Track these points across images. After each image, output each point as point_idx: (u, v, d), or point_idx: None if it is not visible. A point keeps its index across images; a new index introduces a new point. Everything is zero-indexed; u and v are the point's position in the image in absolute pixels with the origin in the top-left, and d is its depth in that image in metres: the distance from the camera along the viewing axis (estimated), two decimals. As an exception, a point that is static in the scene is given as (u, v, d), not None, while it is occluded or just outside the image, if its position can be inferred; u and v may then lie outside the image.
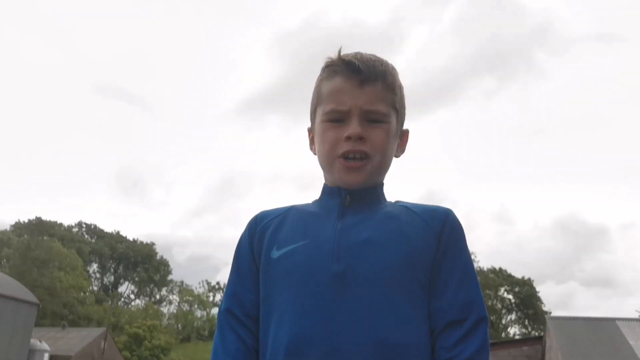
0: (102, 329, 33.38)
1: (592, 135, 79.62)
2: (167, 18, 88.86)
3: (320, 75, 1.34)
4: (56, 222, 55.88)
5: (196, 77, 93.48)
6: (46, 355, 21.57)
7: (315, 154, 1.35)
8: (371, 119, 1.25)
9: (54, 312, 41.91)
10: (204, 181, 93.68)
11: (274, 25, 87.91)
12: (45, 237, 47.55)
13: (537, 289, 53.38)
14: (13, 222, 54.19)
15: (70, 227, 58.75)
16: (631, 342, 18.38)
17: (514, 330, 53.40)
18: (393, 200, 1.34)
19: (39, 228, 52.12)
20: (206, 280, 65.19)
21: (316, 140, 1.33)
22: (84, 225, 60.91)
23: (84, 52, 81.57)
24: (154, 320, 46.65)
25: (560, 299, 68.70)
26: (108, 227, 64.37)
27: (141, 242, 61.85)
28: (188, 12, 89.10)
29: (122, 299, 61.18)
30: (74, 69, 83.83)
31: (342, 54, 1.29)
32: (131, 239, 61.69)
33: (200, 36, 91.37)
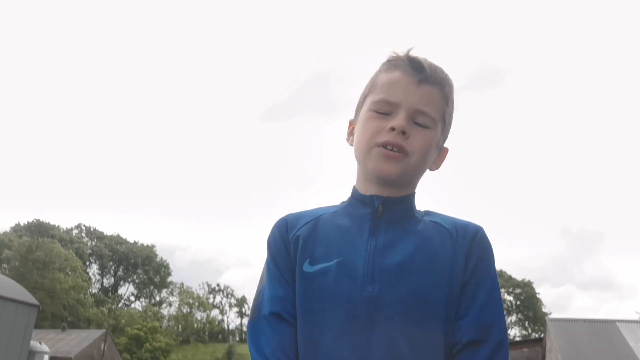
0: (102, 331, 33.35)
1: (591, 135, 79.61)
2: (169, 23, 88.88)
3: (379, 68, 1.31)
4: (55, 224, 55.88)
5: (198, 80, 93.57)
6: (46, 357, 21.55)
7: (351, 145, 1.32)
8: (418, 121, 1.23)
9: (54, 314, 41.89)
10: (204, 184, 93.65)
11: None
12: (45, 239, 47.49)
13: (537, 291, 53.38)
14: (13, 224, 54.24)
15: (69, 229, 58.73)
16: (631, 344, 18.37)
17: (514, 332, 53.37)
18: (423, 210, 1.31)
19: (38, 230, 52.12)
20: (206, 282, 65.18)
21: (357, 129, 1.29)
22: (83, 227, 60.91)
23: (88, 52, 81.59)
24: (153, 322, 46.63)
25: (559, 301, 68.65)
26: (108, 230, 64.21)
27: (141, 244, 61.82)
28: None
29: (122, 301, 61.15)
30: (74, 68, 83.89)
31: (409, 53, 1.27)
32: (131, 241, 61.68)
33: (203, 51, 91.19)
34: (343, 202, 1.32)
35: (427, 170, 1.31)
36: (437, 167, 1.34)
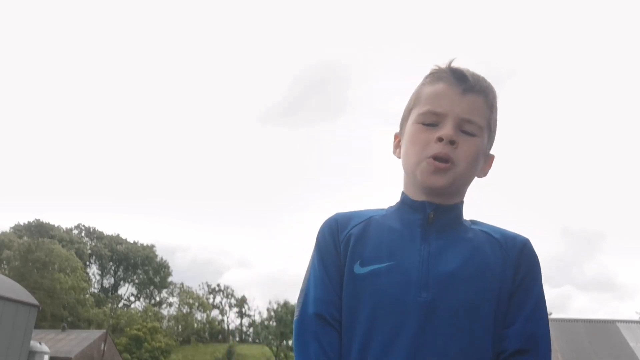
0: (102, 331, 33.36)
1: (589, 137, 79.62)
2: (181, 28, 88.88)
3: (422, 81, 1.33)
4: (54, 225, 55.87)
5: (198, 80, 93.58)
6: (46, 357, 21.55)
7: (399, 157, 1.33)
8: (465, 130, 1.24)
9: (54, 314, 41.90)
10: (205, 186, 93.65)
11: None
12: (45, 239, 47.50)
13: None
14: (13, 224, 54.25)
15: (69, 230, 58.73)
16: (631, 344, 18.37)
17: (514, 332, 53.15)
18: (469, 219, 1.32)
19: (38, 230, 52.13)
20: (206, 283, 65.16)
21: (404, 141, 1.30)
22: (83, 228, 60.92)
23: (88, 53, 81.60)
24: (153, 322, 46.62)
25: (559, 302, 68.65)
26: (108, 230, 64.21)
27: (141, 244, 61.82)
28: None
29: (122, 301, 61.14)
30: (74, 68, 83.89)
31: (452, 65, 1.29)
32: (131, 241, 61.68)
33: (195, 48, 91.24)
34: (391, 206, 1.33)
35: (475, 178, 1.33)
36: (485, 174, 1.35)
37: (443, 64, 1.30)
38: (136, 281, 61.35)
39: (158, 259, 62.03)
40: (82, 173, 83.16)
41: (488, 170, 1.35)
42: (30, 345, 19.80)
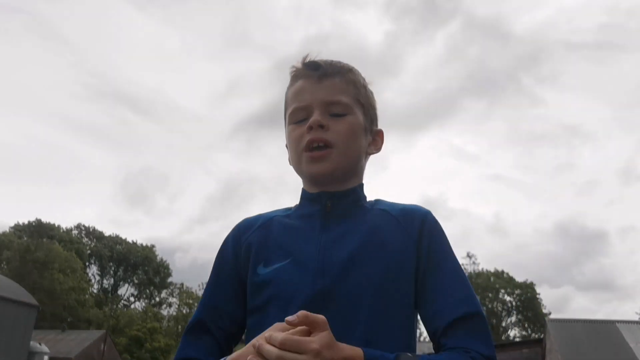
0: (101, 332, 33.39)
1: (588, 138, 79.75)
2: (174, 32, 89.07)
3: (288, 86, 1.36)
4: (55, 224, 55.91)
5: (201, 86, 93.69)
6: (46, 358, 21.56)
7: (291, 164, 1.34)
8: (334, 112, 1.26)
9: (54, 315, 41.88)
10: (206, 187, 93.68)
11: (275, 50, 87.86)
12: (45, 239, 47.53)
13: (538, 292, 53.43)
14: (12, 224, 54.28)
15: (69, 230, 58.79)
16: (631, 345, 18.40)
17: (514, 333, 53.43)
18: (373, 199, 1.33)
19: (38, 230, 52.14)
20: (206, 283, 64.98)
21: (287, 143, 1.33)
22: (83, 228, 60.98)
23: (88, 55, 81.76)
24: (153, 322, 46.67)
25: (559, 302, 68.72)
26: (109, 231, 64.21)
27: (141, 245, 61.87)
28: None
29: (122, 302, 61.19)
30: (75, 71, 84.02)
31: (306, 60, 1.31)
32: (131, 242, 61.73)
33: (204, 50, 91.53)
34: (296, 205, 1.34)
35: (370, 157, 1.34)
36: (377, 150, 1.35)
37: (298, 63, 1.32)
38: (136, 281, 61.39)
39: (158, 259, 62.08)
40: (82, 173, 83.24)
41: (380, 145, 1.36)
42: (30, 346, 19.82)
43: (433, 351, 1.18)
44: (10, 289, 19.28)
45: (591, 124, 79.95)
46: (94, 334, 32.44)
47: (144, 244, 62.30)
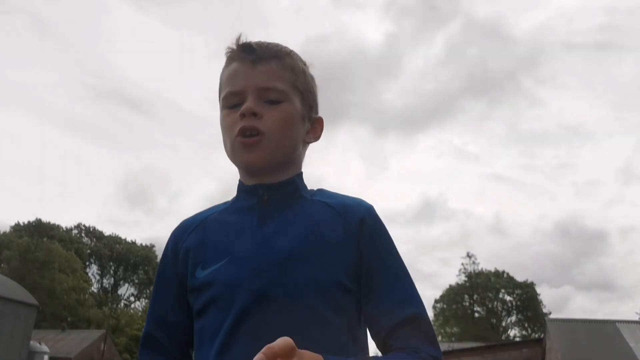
0: (101, 331, 33.41)
1: (588, 138, 79.82)
2: (174, 31, 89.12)
3: (223, 65, 1.28)
4: (55, 224, 55.95)
5: (201, 86, 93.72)
6: (46, 357, 21.58)
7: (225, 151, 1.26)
8: (269, 99, 1.18)
9: (54, 314, 41.91)
10: (206, 187, 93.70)
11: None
12: (45, 239, 47.56)
13: (538, 292, 53.47)
14: (12, 224, 54.31)
15: (69, 230, 58.81)
16: (631, 345, 18.40)
17: (514, 333, 53.44)
18: (316, 189, 1.26)
19: (38, 230, 52.17)
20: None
21: (220, 128, 1.24)
22: (83, 228, 61.00)
23: (88, 55, 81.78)
24: (153, 322, 46.65)
25: (559, 302, 68.75)
26: (109, 231, 64.33)
27: (140, 244, 61.92)
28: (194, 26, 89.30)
29: (122, 301, 61.24)
30: (75, 71, 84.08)
31: (240, 40, 1.24)
32: (130, 241, 61.76)
33: (207, 49, 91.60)
34: (233, 198, 1.28)
35: (309, 145, 1.28)
36: (316, 138, 1.29)
37: (232, 43, 1.24)
38: (136, 281, 61.42)
39: (158, 260, 62.03)
40: (82, 173, 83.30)
41: (319, 133, 1.29)
42: (30, 346, 19.84)
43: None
44: (10, 289, 19.29)
45: (591, 124, 79.93)
46: (94, 334, 32.46)
47: (144, 244, 62.34)
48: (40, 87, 78.81)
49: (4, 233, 50.81)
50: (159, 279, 1.27)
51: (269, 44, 1.24)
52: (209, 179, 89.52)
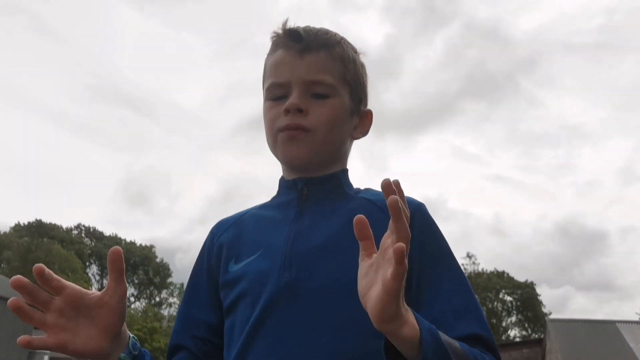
0: (101, 331, 33.27)
1: (588, 138, 79.78)
2: (176, 33, 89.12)
3: (268, 50, 1.21)
4: (55, 224, 55.98)
5: (202, 88, 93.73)
6: (46, 358, 21.60)
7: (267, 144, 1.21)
8: (316, 93, 1.11)
9: (54, 315, 41.89)
10: (206, 188, 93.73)
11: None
12: (45, 239, 47.59)
13: (538, 292, 53.46)
14: (13, 224, 54.33)
15: (69, 230, 58.83)
16: (631, 345, 18.42)
17: (514, 333, 53.43)
18: (363, 188, 1.20)
19: (38, 230, 52.19)
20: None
21: (263, 120, 1.18)
22: (83, 228, 61.01)
23: (89, 56, 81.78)
24: (153, 322, 46.70)
25: (560, 303, 68.73)
26: (109, 231, 64.32)
27: (140, 245, 61.93)
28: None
29: (122, 302, 61.16)
30: (75, 72, 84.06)
31: (287, 26, 1.16)
32: (130, 242, 61.75)
33: (207, 49, 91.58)
34: (274, 195, 1.23)
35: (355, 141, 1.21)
36: (364, 133, 1.21)
37: (279, 28, 1.16)
38: (136, 282, 61.43)
39: (158, 260, 62.13)
40: (82, 173, 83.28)
41: (368, 127, 1.21)
42: (30, 346, 19.79)
43: None
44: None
45: (591, 125, 79.98)
46: (94, 334, 32.36)
47: (144, 244, 62.39)
48: (40, 87, 78.87)
49: (5, 233, 50.87)
50: (193, 276, 1.22)
51: (318, 30, 1.16)
52: (209, 179, 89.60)
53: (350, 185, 1.19)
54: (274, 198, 1.22)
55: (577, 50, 76.62)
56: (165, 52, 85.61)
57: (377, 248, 0.96)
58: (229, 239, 1.17)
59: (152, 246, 62.87)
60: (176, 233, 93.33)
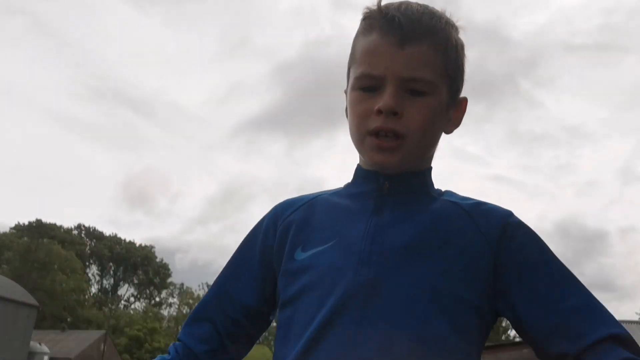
0: (101, 332, 33.44)
1: (588, 139, 79.74)
2: (175, 35, 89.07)
3: (358, 28, 1.07)
4: (55, 224, 55.96)
5: (202, 87, 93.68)
6: (46, 358, 21.59)
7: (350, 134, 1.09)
8: (412, 89, 0.98)
9: (54, 315, 41.89)
10: (206, 188, 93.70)
11: (274, 53, 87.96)
12: (45, 240, 47.56)
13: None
14: (13, 224, 54.30)
15: (69, 230, 58.80)
16: (631, 345, 18.35)
17: (514, 333, 53.34)
18: (442, 189, 1.10)
19: (39, 230, 52.14)
20: (206, 283, 65.14)
21: (348, 109, 1.06)
22: (83, 228, 60.97)
23: (89, 56, 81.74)
24: (153, 322, 46.69)
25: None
26: (109, 232, 64.34)
27: (140, 245, 61.92)
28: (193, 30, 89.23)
29: (122, 302, 61.25)
30: (76, 72, 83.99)
31: (383, 3, 1.01)
32: (130, 242, 61.76)
33: (208, 52, 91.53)
34: (347, 183, 1.12)
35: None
36: (457, 126, 1.10)
37: (373, 4, 1.02)
38: (136, 282, 61.41)
39: (158, 260, 62.11)
40: (85, 178, 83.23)
41: (461, 118, 1.10)
42: (30, 346, 19.83)
43: None
44: (10, 289, 19.28)
45: (591, 125, 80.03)
46: (94, 334, 32.47)
47: (144, 244, 62.38)
48: (41, 87, 78.82)
49: (5, 233, 50.87)
50: (240, 252, 1.13)
51: (421, 15, 1.00)
52: (209, 179, 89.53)
53: (433, 185, 1.08)
54: (347, 186, 1.11)
55: (577, 50, 76.67)
56: (165, 52, 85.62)
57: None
58: (297, 221, 1.06)
59: (152, 246, 62.83)
60: (176, 233, 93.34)
